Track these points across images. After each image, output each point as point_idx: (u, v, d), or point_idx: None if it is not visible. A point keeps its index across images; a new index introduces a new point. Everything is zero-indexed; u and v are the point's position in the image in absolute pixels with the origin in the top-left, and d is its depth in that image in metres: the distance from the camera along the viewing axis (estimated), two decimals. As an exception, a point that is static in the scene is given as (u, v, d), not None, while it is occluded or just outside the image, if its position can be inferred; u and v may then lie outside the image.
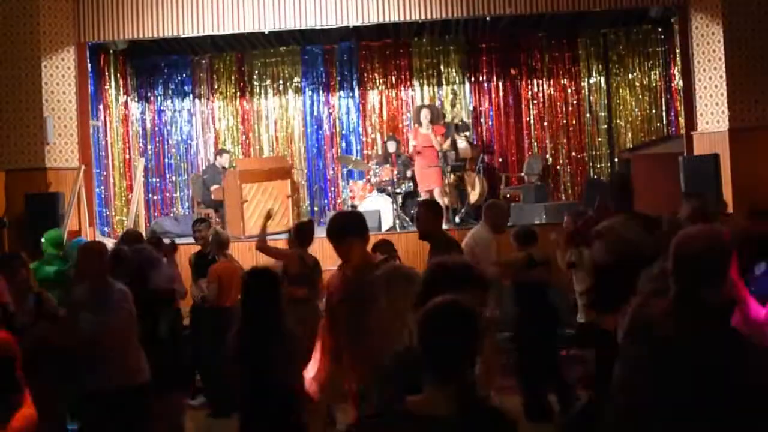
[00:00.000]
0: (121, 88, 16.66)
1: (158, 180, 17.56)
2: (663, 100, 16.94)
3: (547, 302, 8.94)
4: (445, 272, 3.86)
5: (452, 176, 14.79)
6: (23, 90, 12.93)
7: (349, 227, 5.40)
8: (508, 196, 16.15)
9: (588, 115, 17.31)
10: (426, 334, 3.13)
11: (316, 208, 17.28)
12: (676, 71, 15.86)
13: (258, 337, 5.23)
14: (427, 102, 16.96)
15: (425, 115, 14.55)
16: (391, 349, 3.88)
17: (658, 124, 16.99)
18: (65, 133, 13.21)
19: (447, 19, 14.29)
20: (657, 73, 17.03)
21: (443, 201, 14.35)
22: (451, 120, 16.16)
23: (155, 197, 17.50)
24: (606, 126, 17.25)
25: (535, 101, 17.41)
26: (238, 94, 17.63)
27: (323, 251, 9.55)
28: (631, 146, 16.47)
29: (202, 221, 11.30)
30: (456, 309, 3.15)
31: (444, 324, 3.10)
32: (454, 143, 15.16)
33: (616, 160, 16.86)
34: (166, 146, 17.68)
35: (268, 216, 10.33)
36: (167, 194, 17.61)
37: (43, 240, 9.78)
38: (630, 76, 17.23)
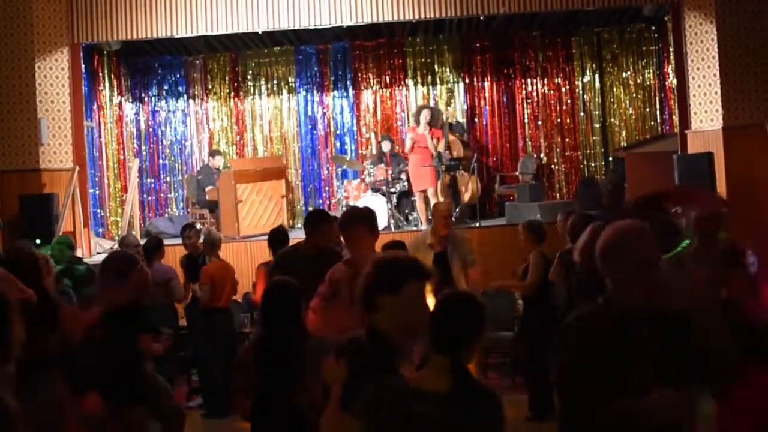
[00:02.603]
0: (115, 89, 16.66)
1: (153, 181, 17.55)
2: (657, 98, 16.97)
3: (550, 301, 8.94)
4: None
5: (446, 176, 14.81)
6: (17, 91, 12.92)
7: (358, 216, 5.46)
8: (502, 195, 16.19)
9: (582, 113, 17.32)
10: (439, 317, 3.42)
11: (310, 208, 17.25)
12: (669, 70, 15.89)
13: (277, 352, 5.15)
14: (421, 102, 16.98)
15: (425, 116, 14.52)
16: None
17: (652, 123, 17.01)
18: (59, 134, 13.20)
19: (441, 18, 14.30)
20: (651, 71, 17.06)
21: (437, 200, 14.37)
22: (445, 119, 16.16)
23: (150, 198, 17.49)
24: (600, 125, 17.26)
25: (529, 100, 17.42)
26: (232, 94, 17.63)
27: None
28: (625, 145, 16.50)
29: (191, 227, 11.28)
30: (467, 299, 3.50)
31: (454, 309, 3.42)
32: (447, 143, 15.16)
33: (610, 158, 16.88)
34: (160, 147, 17.67)
35: None
36: (162, 195, 17.60)
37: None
38: (624, 74, 17.25)
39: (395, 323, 3.55)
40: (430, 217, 14.25)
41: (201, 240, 10.70)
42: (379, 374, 3.44)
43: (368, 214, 5.59)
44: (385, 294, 3.54)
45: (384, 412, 3.28)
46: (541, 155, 17.25)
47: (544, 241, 8.97)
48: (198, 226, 12.94)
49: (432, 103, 16.87)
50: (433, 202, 14.19)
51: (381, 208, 14.37)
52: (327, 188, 17.52)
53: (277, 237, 9.09)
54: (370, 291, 3.56)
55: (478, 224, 14.06)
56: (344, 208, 15.05)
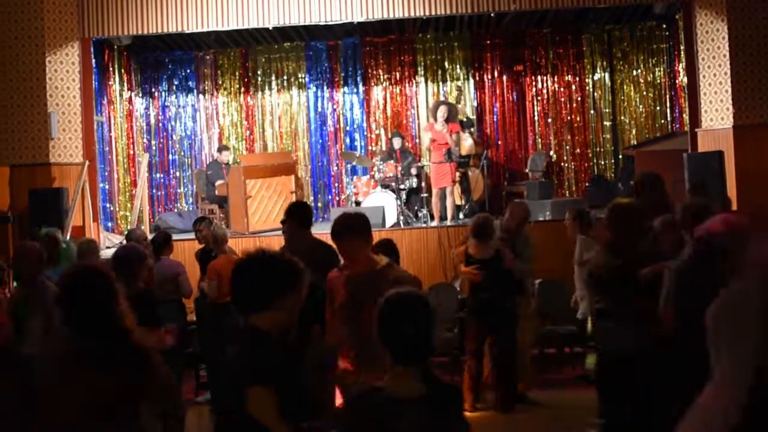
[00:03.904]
0: (126, 84, 16.68)
1: (162, 175, 17.58)
2: (667, 96, 16.94)
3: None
4: None
5: (457, 173, 14.79)
6: (28, 85, 12.94)
7: (351, 226, 5.47)
8: (512, 192, 16.15)
9: (592, 111, 17.30)
10: (390, 322, 3.39)
11: (320, 204, 17.29)
12: (680, 68, 15.86)
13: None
14: (431, 98, 16.98)
15: (443, 113, 14.45)
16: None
17: (663, 121, 16.98)
18: (69, 128, 13.22)
19: (451, 15, 14.27)
20: (661, 69, 17.03)
21: (452, 198, 14.37)
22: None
23: (159, 193, 17.52)
24: (610, 122, 17.24)
25: (539, 97, 17.40)
26: (242, 89, 17.64)
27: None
28: (635, 143, 16.47)
29: (203, 220, 11.30)
30: (415, 299, 3.47)
31: (407, 312, 3.40)
32: (458, 139, 15.14)
33: (620, 156, 16.85)
34: (170, 142, 17.70)
35: None
36: (171, 190, 17.63)
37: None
38: (634, 72, 17.22)
39: (286, 320, 3.59)
40: (440, 214, 14.28)
41: (212, 233, 10.72)
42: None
43: (362, 223, 5.60)
44: (282, 295, 3.57)
45: (368, 424, 3.30)
46: (551, 153, 17.24)
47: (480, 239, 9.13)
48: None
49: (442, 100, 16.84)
50: (449, 199, 14.20)
51: (390, 204, 14.37)
52: (336, 184, 17.52)
53: None
54: (268, 292, 3.56)
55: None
56: (353, 205, 15.07)
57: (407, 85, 17.50)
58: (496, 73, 17.48)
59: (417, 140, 17.16)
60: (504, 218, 9.77)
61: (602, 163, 17.22)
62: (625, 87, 17.28)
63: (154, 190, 17.31)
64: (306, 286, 3.71)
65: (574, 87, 17.36)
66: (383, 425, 3.27)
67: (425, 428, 3.31)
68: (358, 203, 15.08)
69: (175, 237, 11.14)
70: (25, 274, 6.58)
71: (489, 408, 8.96)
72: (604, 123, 17.28)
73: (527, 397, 9.18)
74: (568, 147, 17.31)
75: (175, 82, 17.72)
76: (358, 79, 17.51)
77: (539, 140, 17.38)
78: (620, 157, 16.85)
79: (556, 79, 17.38)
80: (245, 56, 17.61)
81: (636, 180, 8.73)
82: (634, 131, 17.12)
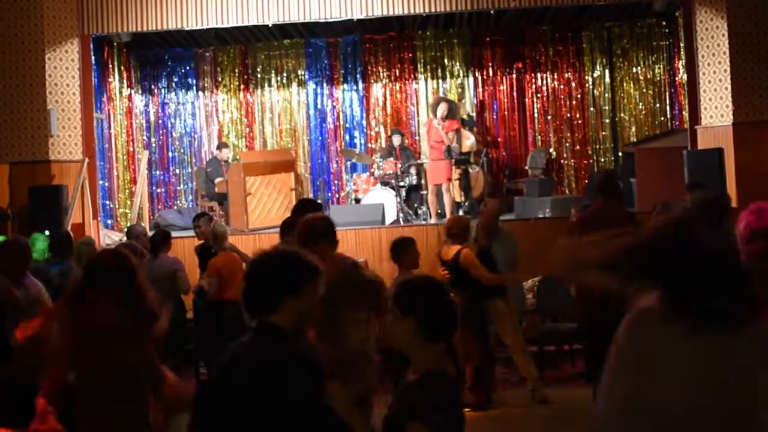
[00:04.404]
0: (125, 81, 16.67)
1: (162, 173, 17.57)
2: (667, 94, 16.93)
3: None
4: None
5: (456, 170, 14.78)
6: (27, 83, 12.93)
7: (315, 230, 5.53)
8: (511, 189, 16.15)
9: (592, 108, 17.29)
10: (414, 304, 3.44)
11: (319, 202, 17.23)
12: (680, 65, 15.86)
13: None
14: (431, 95, 16.97)
15: (442, 110, 14.41)
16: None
17: (662, 118, 16.98)
18: (69, 125, 13.21)
19: (451, 12, 14.25)
20: (661, 66, 17.02)
21: (450, 195, 14.35)
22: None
23: (159, 190, 17.51)
24: (610, 120, 17.23)
25: (539, 95, 17.40)
26: (242, 86, 17.63)
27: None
28: (634, 140, 16.47)
29: (202, 216, 11.30)
30: (433, 282, 3.58)
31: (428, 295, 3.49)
32: (458, 137, 15.12)
33: (620, 153, 16.84)
34: (169, 139, 17.69)
35: None
36: (171, 187, 17.62)
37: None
38: (634, 69, 17.21)
39: (297, 319, 3.57)
40: (439, 211, 14.27)
41: (212, 229, 10.72)
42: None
43: (327, 228, 5.65)
44: (288, 295, 3.53)
45: (449, 410, 3.35)
46: (551, 150, 17.23)
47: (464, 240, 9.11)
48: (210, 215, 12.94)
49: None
50: (446, 196, 14.18)
51: (390, 201, 14.37)
52: (336, 181, 17.52)
53: (290, 227, 9.05)
54: (273, 293, 3.53)
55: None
56: (353, 202, 15.07)
57: (407, 82, 17.50)
58: (496, 70, 17.48)
59: (417, 137, 17.16)
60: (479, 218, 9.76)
61: (602, 160, 17.22)
62: (624, 84, 17.27)
63: (153, 188, 17.30)
64: (321, 282, 3.70)
65: (573, 84, 17.36)
66: (457, 407, 3.41)
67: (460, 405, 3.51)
68: (357, 200, 15.08)
69: (174, 234, 11.15)
70: (13, 270, 6.57)
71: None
72: (604, 120, 17.28)
73: (533, 395, 9.16)
74: (567, 144, 17.31)
75: (175, 79, 17.72)
76: (358, 76, 17.50)
77: (539, 137, 17.37)
78: (620, 154, 16.84)
79: (555, 77, 17.38)
80: (245, 53, 17.61)
81: (597, 180, 8.72)
82: (633, 128, 17.11)
